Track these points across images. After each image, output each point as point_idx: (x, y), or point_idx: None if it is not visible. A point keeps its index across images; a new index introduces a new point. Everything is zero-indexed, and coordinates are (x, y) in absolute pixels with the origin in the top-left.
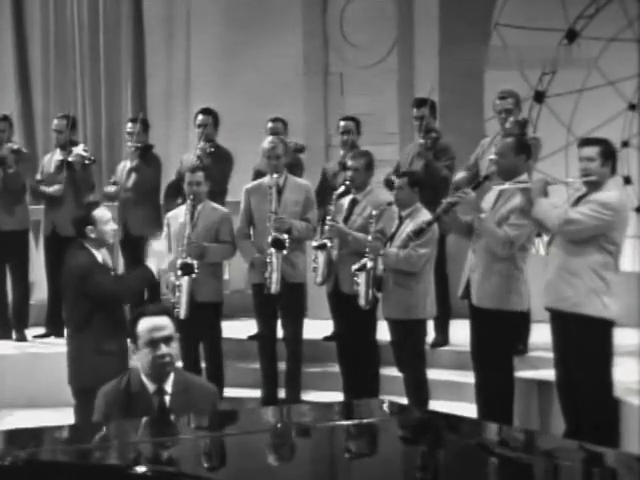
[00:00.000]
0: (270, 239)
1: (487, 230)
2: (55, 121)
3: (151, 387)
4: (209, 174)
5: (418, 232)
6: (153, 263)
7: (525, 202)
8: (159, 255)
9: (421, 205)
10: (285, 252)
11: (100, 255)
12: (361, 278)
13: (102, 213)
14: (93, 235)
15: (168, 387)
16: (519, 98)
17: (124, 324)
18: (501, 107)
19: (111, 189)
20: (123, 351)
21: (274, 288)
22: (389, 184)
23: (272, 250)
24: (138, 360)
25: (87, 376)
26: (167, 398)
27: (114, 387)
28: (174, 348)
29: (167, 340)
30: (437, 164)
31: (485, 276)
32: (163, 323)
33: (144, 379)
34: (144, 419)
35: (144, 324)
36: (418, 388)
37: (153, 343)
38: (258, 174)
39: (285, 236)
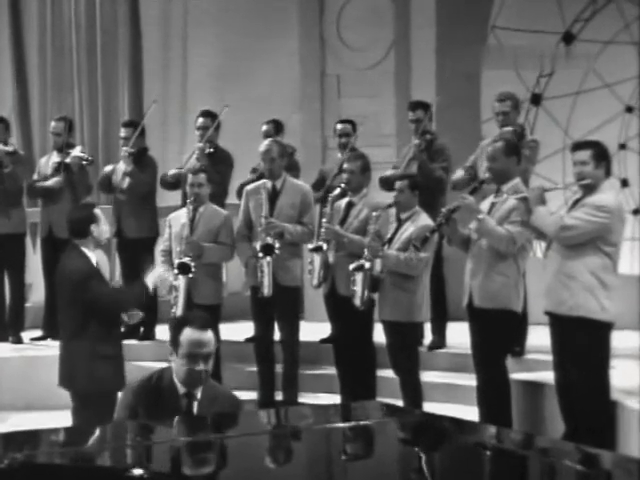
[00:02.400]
0: (259, 244)
1: (489, 229)
2: (53, 123)
3: (181, 389)
4: (208, 176)
5: (423, 241)
6: (150, 281)
7: (523, 211)
8: (158, 275)
9: (420, 209)
10: (269, 258)
11: (94, 257)
12: (358, 278)
13: (99, 213)
14: (95, 234)
15: (197, 393)
16: (518, 100)
17: (119, 328)
18: (499, 109)
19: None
20: (118, 355)
21: (266, 292)
22: (383, 183)
23: (261, 255)
24: (173, 363)
25: (81, 381)
26: (195, 403)
27: (144, 382)
28: (210, 365)
29: (206, 357)
30: (431, 165)
31: (487, 277)
32: (207, 339)
33: (176, 381)
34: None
35: (189, 335)
36: (413, 390)
37: (192, 357)
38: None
39: (274, 241)
